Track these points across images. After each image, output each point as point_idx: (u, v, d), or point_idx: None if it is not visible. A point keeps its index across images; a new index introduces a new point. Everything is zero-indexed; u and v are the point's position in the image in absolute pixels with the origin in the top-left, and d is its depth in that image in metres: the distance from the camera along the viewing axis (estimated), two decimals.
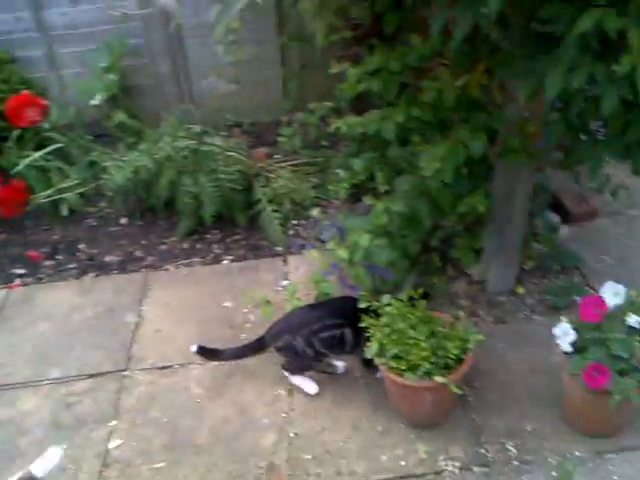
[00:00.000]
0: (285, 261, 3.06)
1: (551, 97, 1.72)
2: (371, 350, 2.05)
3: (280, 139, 3.50)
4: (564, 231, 2.99)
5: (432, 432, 2.17)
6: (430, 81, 2.33)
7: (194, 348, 2.42)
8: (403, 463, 2.08)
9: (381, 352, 2.04)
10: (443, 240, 2.80)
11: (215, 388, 2.41)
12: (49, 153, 3.42)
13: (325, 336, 2.23)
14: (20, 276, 3.14)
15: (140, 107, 3.79)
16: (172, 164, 3.17)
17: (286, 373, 2.36)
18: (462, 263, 2.69)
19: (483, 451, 2.11)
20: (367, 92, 2.61)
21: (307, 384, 2.34)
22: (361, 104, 3.31)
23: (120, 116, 3.49)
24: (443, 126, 2.47)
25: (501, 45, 2.09)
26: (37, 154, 3.39)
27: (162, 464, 2.14)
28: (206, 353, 2.44)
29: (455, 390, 1.94)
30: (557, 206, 3.11)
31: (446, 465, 2.06)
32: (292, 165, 3.52)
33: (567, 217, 3.08)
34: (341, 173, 3.26)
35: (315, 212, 3.20)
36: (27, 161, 3.34)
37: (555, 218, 3.02)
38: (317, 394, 2.33)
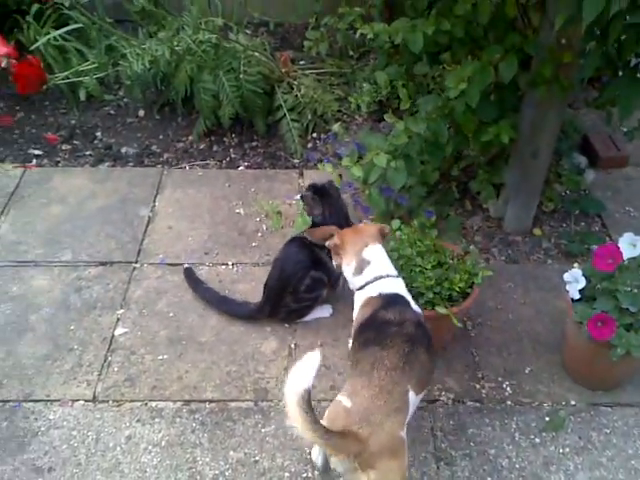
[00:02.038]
0: (301, 174, 3.03)
1: (588, 22, 1.59)
2: None
3: (306, 43, 3.35)
4: (590, 175, 2.90)
5: None
6: None
7: (186, 265, 2.49)
8: None
9: None
10: (464, 170, 2.75)
11: (222, 290, 2.47)
12: (68, 33, 3.31)
13: (303, 289, 2.25)
14: (36, 157, 3.14)
15: None
16: (192, 58, 3.06)
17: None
18: (481, 197, 2.65)
19: (478, 386, 2.16)
20: None
21: (320, 312, 2.37)
22: (394, 13, 3.15)
23: (141, 1, 3.33)
24: (474, 45, 2.35)
25: None
26: (56, 32, 3.28)
27: (165, 356, 2.25)
28: (190, 278, 2.46)
29: (456, 323, 1.97)
30: (586, 148, 3.01)
31: (440, 395, 2.13)
32: (317, 73, 3.39)
33: (595, 161, 2.97)
34: (366, 87, 3.16)
35: (336, 126, 3.13)
36: (46, 39, 3.24)
37: (582, 160, 2.92)
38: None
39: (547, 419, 2.06)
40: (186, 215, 2.81)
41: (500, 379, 2.18)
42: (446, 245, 2.17)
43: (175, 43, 3.06)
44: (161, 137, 3.28)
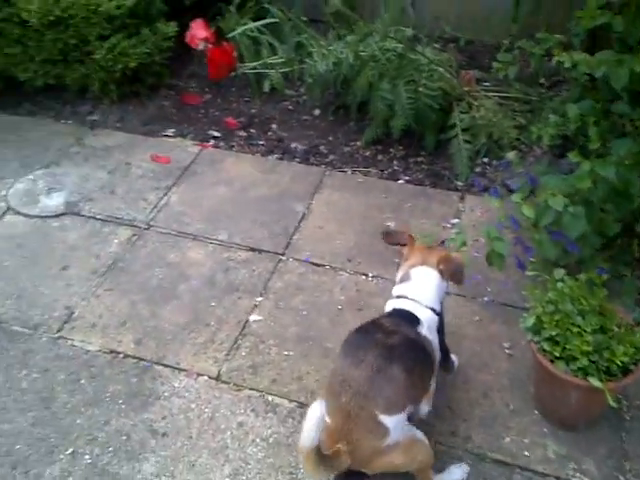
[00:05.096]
0: (462, 198, 2.90)
1: None
2: (526, 323, 1.89)
3: (495, 65, 3.18)
4: None
5: (568, 434, 1.99)
6: None
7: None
8: (526, 454, 1.94)
9: (536, 329, 1.88)
10: None
11: (356, 302, 2.43)
12: (264, 26, 3.50)
13: None
14: (214, 138, 3.35)
15: None
16: (375, 65, 3.05)
17: None
18: None
19: (622, 478, 1.88)
20: (607, 29, 2.22)
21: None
22: (596, 45, 2.87)
23: (337, 3, 3.40)
24: None
25: None
26: (253, 24, 3.48)
27: (291, 352, 2.26)
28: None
29: (610, 402, 1.73)
30: None
31: (573, 475, 1.89)
32: (500, 97, 3.22)
33: None
34: (553, 118, 2.92)
35: (511, 154, 2.93)
36: (242, 29, 3.45)
37: None
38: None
39: None
40: (338, 218, 2.81)
41: None
42: (615, 309, 1.91)
43: (361, 48, 3.09)
44: (330, 138, 3.32)
